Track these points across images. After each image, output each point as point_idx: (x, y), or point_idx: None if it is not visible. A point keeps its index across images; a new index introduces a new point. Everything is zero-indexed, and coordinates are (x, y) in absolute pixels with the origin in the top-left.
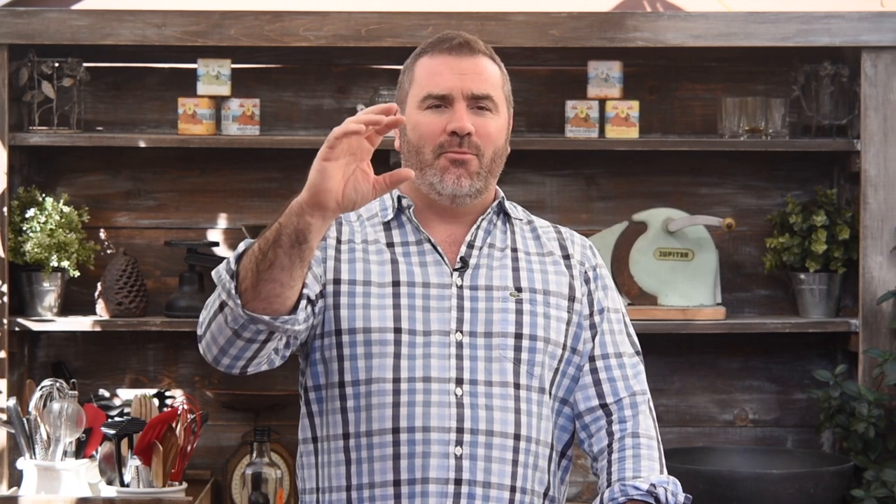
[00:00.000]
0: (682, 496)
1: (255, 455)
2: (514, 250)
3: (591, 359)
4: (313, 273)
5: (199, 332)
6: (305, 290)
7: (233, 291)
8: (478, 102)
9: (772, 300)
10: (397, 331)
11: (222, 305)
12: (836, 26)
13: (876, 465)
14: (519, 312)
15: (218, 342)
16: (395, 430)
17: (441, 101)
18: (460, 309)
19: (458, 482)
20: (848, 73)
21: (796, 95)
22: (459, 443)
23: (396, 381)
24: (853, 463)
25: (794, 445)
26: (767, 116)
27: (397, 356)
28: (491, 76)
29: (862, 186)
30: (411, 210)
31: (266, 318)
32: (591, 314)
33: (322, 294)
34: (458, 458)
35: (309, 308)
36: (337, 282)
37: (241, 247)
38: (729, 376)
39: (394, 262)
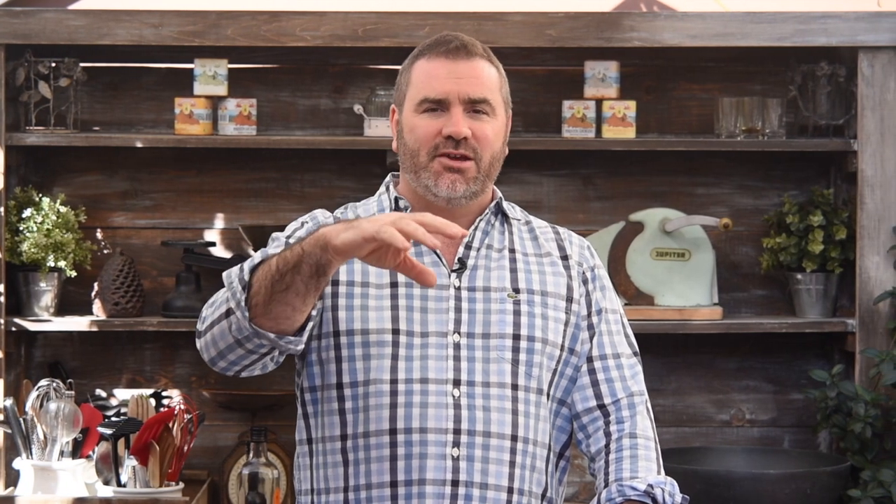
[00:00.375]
0: (679, 497)
1: (251, 455)
2: (512, 251)
3: (589, 359)
4: None
5: (200, 327)
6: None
7: (243, 303)
8: (474, 106)
9: (768, 300)
10: (395, 332)
11: (228, 312)
12: (833, 26)
13: (873, 465)
14: (517, 314)
15: (218, 346)
16: (392, 432)
17: (437, 105)
18: (458, 310)
19: (454, 483)
20: (845, 73)
21: (793, 95)
22: (456, 444)
23: (394, 382)
24: (850, 463)
25: (791, 445)
26: (764, 116)
27: (395, 357)
28: (488, 79)
29: (859, 186)
30: (408, 211)
31: (272, 335)
32: (589, 315)
33: (320, 296)
34: (455, 460)
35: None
36: (335, 283)
37: (258, 257)
38: (726, 376)
39: None
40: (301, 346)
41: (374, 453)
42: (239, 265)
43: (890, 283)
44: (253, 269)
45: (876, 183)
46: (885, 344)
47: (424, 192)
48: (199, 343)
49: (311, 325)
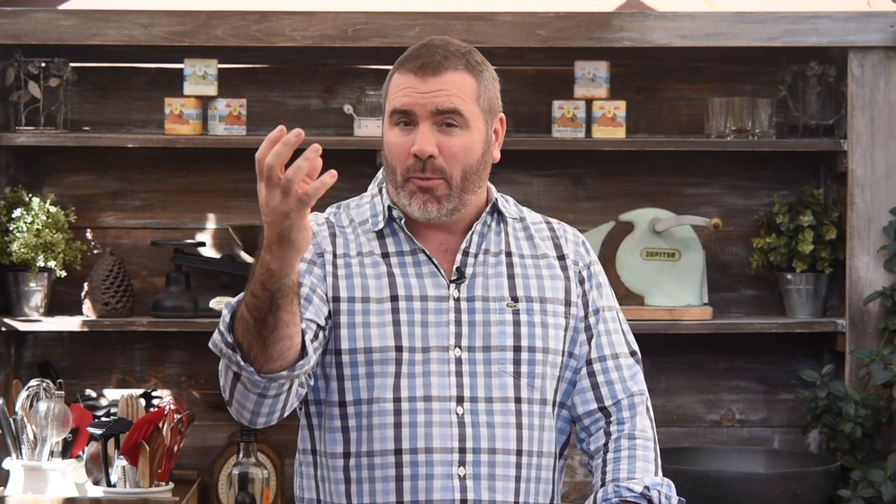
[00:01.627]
0: (675, 499)
1: (241, 455)
2: (509, 254)
3: (589, 362)
4: (318, 296)
5: (226, 397)
6: (312, 318)
7: (242, 363)
8: (445, 118)
9: (759, 300)
10: (398, 349)
11: (237, 376)
12: (823, 26)
13: (863, 465)
14: (517, 324)
15: (247, 407)
16: (398, 452)
17: (407, 118)
18: (458, 323)
19: (462, 502)
20: (835, 73)
21: (783, 95)
22: (462, 463)
23: (397, 400)
24: (840, 463)
25: (781, 445)
26: (754, 116)
27: (398, 375)
28: (459, 90)
29: (849, 186)
30: (402, 222)
31: (284, 373)
32: (587, 316)
33: (328, 314)
34: (462, 479)
35: (321, 334)
36: (336, 300)
37: (226, 312)
38: (716, 376)
39: (390, 274)
40: (313, 363)
41: (379, 473)
42: (216, 329)
43: (880, 283)
44: (231, 329)
45: (866, 183)
46: (875, 344)
47: (404, 209)
48: (232, 413)
49: (306, 338)
